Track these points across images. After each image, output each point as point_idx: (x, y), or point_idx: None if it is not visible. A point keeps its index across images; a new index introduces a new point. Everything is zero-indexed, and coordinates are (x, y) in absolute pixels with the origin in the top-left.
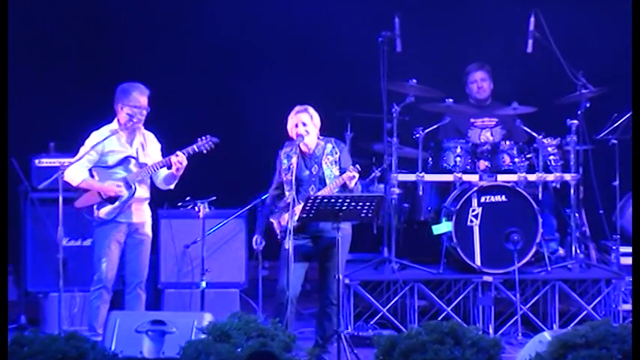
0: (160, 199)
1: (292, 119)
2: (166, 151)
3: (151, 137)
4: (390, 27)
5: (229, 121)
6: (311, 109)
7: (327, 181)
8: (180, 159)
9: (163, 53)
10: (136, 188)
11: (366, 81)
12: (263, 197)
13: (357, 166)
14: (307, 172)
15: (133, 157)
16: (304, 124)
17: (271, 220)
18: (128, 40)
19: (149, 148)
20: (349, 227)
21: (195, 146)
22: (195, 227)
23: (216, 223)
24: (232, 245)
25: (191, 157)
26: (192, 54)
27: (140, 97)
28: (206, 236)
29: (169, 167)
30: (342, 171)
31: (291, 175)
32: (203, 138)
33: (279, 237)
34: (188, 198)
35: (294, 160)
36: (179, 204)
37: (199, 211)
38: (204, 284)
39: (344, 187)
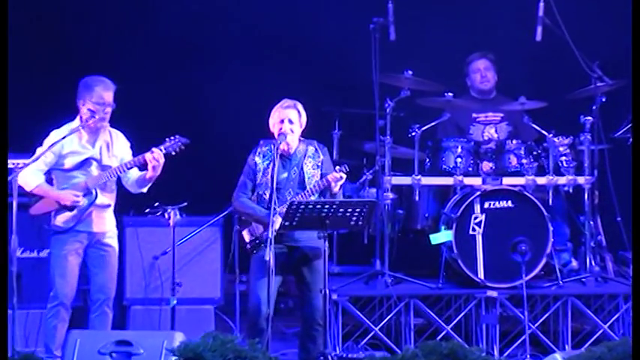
0: (125, 205)
1: (278, 113)
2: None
3: (118, 136)
4: (382, 13)
5: (202, 120)
6: (300, 106)
7: (308, 186)
8: (156, 156)
9: (124, 45)
10: (97, 194)
11: (355, 73)
12: None
13: (345, 166)
14: (285, 175)
15: (95, 159)
16: (291, 121)
17: (239, 227)
18: (84, 31)
19: (116, 148)
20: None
21: (162, 147)
22: (165, 236)
23: (188, 231)
24: (206, 257)
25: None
26: (158, 46)
27: (104, 92)
28: (177, 246)
29: (141, 168)
30: (324, 177)
31: (268, 177)
32: (171, 138)
33: (248, 247)
34: (157, 204)
35: (277, 162)
36: (147, 210)
37: (169, 218)
38: (174, 300)
39: (323, 192)
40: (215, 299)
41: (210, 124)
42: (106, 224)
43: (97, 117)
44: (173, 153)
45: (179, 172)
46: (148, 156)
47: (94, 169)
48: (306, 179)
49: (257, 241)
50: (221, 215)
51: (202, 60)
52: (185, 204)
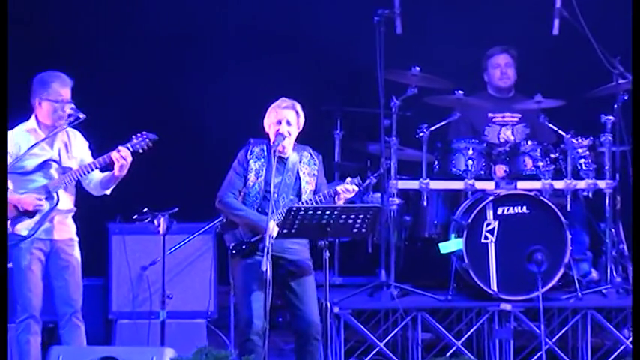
0: (111, 212)
1: (275, 113)
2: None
3: (76, 135)
4: (388, 4)
5: (195, 121)
6: (298, 107)
7: (304, 195)
8: (124, 154)
9: (108, 39)
10: (59, 198)
11: (359, 69)
12: None
13: (359, 179)
14: (279, 179)
15: (55, 161)
16: (288, 123)
17: (220, 230)
18: (60, 20)
19: (74, 148)
20: (306, 247)
21: (129, 145)
22: (154, 245)
23: (179, 239)
24: (199, 266)
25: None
26: (146, 42)
27: (61, 88)
28: (167, 256)
29: (103, 169)
30: (317, 188)
31: (261, 180)
32: (138, 135)
33: (233, 252)
34: (145, 210)
35: (274, 165)
36: (134, 217)
37: (159, 225)
38: (164, 314)
39: (322, 202)
40: (208, 312)
41: (203, 124)
42: (68, 231)
43: (81, 116)
44: (141, 151)
45: (170, 176)
46: (114, 155)
47: (54, 172)
48: (302, 186)
49: (243, 247)
50: (214, 222)
51: (194, 56)
52: (176, 210)
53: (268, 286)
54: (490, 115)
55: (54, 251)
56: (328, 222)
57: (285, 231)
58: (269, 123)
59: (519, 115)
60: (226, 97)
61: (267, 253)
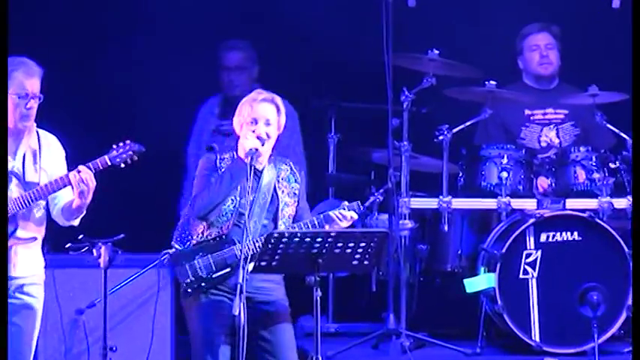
0: None
1: (249, 109)
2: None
3: (49, 141)
4: None
5: (146, 124)
6: (279, 100)
7: (281, 219)
8: (84, 176)
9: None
10: (17, 223)
11: (360, 53)
12: None
13: (358, 203)
14: (250, 197)
15: (15, 174)
16: (268, 122)
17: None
18: None
19: (45, 158)
20: (281, 286)
21: (107, 157)
22: (93, 281)
23: (126, 274)
24: (151, 310)
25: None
26: (94, 24)
27: (27, 79)
28: (110, 295)
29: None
30: (298, 214)
31: (229, 201)
32: (120, 145)
33: (186, 289)
34: (82, 236)
35: (250, 179)
36: (68, 245)
37: (99, 256)
38: None
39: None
40: None
41: (156, 128)
42: (33, 265)
43: (24, 112)
44: (122, 165)
45: (114, 195)
46: (73, 177)
47: (14, 188)
48: (280, 209)
49: (202, 285)
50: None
51: (148, 42)
52: (121, 237)
53: (243, 338)
54: (528, 112)
55: (13, 290)
56: (320, 251)
57: (264, 263)
58: (241, 122)
59: (565, 112)
60: (189, 93)
61: (241, 292)
